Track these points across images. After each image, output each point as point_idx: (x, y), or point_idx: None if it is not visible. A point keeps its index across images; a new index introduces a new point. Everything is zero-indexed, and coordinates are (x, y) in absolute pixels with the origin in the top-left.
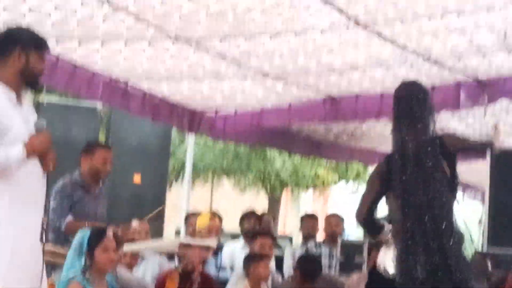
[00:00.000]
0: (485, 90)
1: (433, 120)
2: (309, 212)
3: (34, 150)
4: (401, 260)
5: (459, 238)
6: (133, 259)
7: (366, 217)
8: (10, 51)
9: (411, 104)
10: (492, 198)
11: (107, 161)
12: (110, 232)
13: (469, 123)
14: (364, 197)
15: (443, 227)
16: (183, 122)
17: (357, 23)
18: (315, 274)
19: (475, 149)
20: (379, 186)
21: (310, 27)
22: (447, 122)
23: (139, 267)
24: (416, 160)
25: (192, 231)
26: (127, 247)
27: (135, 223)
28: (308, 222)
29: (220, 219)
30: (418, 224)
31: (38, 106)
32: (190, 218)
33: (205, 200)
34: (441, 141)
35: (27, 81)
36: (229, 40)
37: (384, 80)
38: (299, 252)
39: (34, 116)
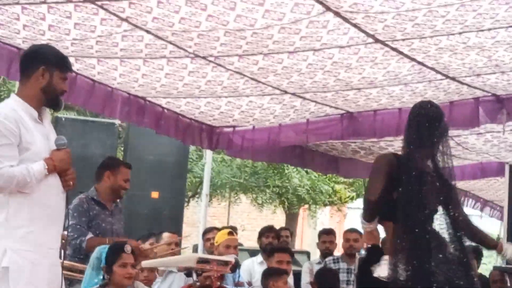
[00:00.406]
0: (504, 106)
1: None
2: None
3: (55, 166)
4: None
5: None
6: (151, 275)
7: (378, 197)
8: (34, 69)
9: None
10: (511, 215)
11: (128, 180)
12: (128, 248)
13: (488, 139)
14: (375, 179)
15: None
16: (200, 138)
17: (375, 39)
18: None
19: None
20: (389, 175)
21: (328, 44)
22: (465, 139)
23: (157, 283)
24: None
25: (209, 247)
26: (145, 263)
27: (166, 235)
28: (326, 237)
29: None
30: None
31: (56, 122)
32: (207, 233)
33: (222, 216)
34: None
35: (49, 100)
36: (247, 57)
37: (403, 96)
38: (316, 267)
39: (54, 134)
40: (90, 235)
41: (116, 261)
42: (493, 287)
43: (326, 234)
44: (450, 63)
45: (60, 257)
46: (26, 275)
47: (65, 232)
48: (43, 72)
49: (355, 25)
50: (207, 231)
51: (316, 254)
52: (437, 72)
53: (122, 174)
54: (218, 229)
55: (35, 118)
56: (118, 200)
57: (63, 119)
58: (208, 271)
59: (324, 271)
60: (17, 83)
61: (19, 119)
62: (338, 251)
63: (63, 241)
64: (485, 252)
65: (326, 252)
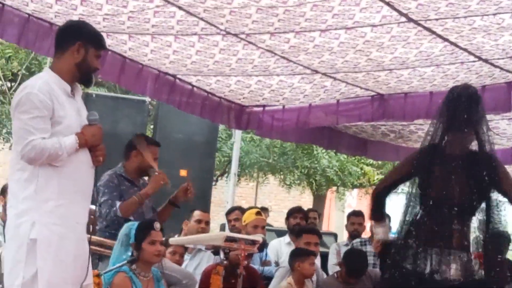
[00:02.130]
0: None
1: (482, 130)
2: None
3: (86, 141)
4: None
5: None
6: (179, 250)
7: (381, 191)
8: (69, 45)
9: (465, 107)
10: None
11: (156, 159)
12: (157, 225)
13: None
14: (390, 174)
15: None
16: (230, 118)
17: (408, 18)
18: (362, 270)
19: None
20: (408, 171)
21: (360, 22)
22: (496, 124)
23: (186, 260)
24: (458, 164)
25: (232, 227)
26: (173, 240)
27: (197, 213)
28: (355, 219)
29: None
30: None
31: (86, 98)
32: (230, 214)
33: (249, 196)
34: (494, 165)
35: (82, 76)
36: (279, 35)
37: (434, 79)
38: (343, 249)
39: (85, 109)
40: (118, 202)
41: (145, 238)
42: None
43: (355, 216)
44: (484, 44)
45: (89, 232)
46: (53, 248)
47: (93, 207)
48: (78, 47)
49: (388, 3)
50: (230, 211)
51: (343, 237)
52: (470, 53)
53: (151, 153)
54: (241, 209)
55: (68, 93)
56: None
57: (94, 95)
58: (236, 250)
59: (353, 252)
60: (48, 59)
61: (53, 92)
62: (366, 234)
63: (92, 216)
64: None
65: (354, 234)
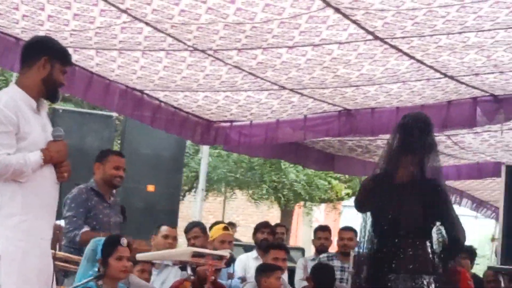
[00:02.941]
0: (502, 107)
1: (433, 157)
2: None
3: (51, 157)
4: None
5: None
6: (147, 267)
7: (362, 209)
8: (35, 60)
9: (415, 133)
10: (506, 216)
11: (120, 168)
12: (124, 241)
13: (485, 139)
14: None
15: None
16: (196, 133)
17: (375, 36)
18: (329, 285)
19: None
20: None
21: (327, 39)
22: (461, 138)
23: (153, 276)
24: (400, 190)
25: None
26: (140, 256)
27: (164, 228)
28: (322, 234)
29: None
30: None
31: (53, 113)
32: (188, 232)
33: (217, 211)
34: (436, 189)
35: (48, 91)
36: (246, 51)
37: (401, 95)
38: (310, 264)
39: (50, 125)
40: (85, 228)
41: (112, 254)
42: (487, 287)
43: (322, 231)
44: (449, 62)
45: (54, 248)
46: (17, 263)
47: (58, 223)
48: (44, 62)
49: (354, 22)
50: (189, 228)
51: (310, 251)
52: (436, 70)
53: (111, 162)
54: (201, 226)
55: (34, 109)
56: (115, 193)
57: (61, 110)
58: (203, 265)
59: (320, 267)
60: (14, 74)
61: (18, 108)
62: (333, 249)
63: (57, 232)
64: (479, 252)
65: (321, 249)
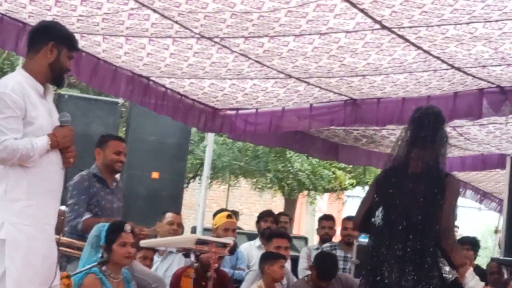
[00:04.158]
0: (508, 98)
1: (443, 150)
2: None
3: (58, 142)
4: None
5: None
6: (149, 255)
7: (360, 227)
8: (42, 45)
9: (427, 126)
10: (510, 207)
11: (120, 153)
12: (128, 227)
13: (490, 131)
14: (360, 205)
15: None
16: (202, 121)
17: (382, 26)
18: (332, 273)
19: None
20: (373, 195)
21: (334, 28)
22: (467, 129)
23: (157, 262)
24: (413, 179)
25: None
26: (144, 242)
27: (169, 215)
28: (326, 223)
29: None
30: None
31: (59, 99)
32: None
33: (220, 199)
34: (444, 181)
35: (54, 76)
36: (253, 39)
37: (407, 85)
38: (314, 253)
39: (56, 111)
40: (86, 215)
41: (115, 240)
42: (490, 279)
43: (326, 220)
44: (456, 53)
45: (58, 233)
46: (22, 248)
47: (62, 208)
48: (51, 47)
49: (362, 10)
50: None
51: (313, 241)
52: (443, 61)
53: (111, 147)
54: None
55: (40, 93)
56: (118, 179)
57: (66, 96)
58: (207, 253)
59: (323, 256)
60: (21, 59)
61: (25, 92)
62: (336, 239)
63: (62, 217)
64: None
65: (325, 238)
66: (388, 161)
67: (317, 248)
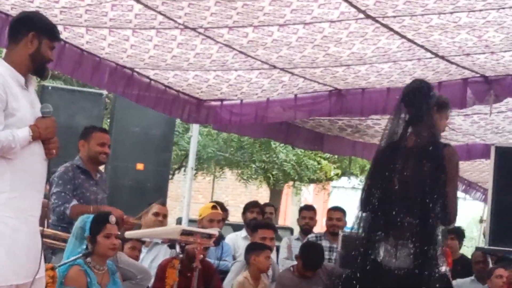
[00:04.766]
0: (492, 88)
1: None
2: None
3: (40, 133)
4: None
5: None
6: (138, 245)
7: (362, 205)
8: (23, 35)
9: (419, 98)
10: (494, 197)
11: (105, 144)
12: (113, 218)
13: (475, 121)
14: (363, 185)
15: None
16: (186, 112)
17: (366, 15)
18: (318, 263)
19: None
20: (372, 173)
21: (318, 18)
22: (451, 119)
23: (143, 253)
24: (410, 155)
25: None
26: (129, 233)
27: (155, 206)
28: (306, 213)
29: (224, 209)
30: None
31: (42, 90)
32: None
33: (206, 191)
34: (442, 152)
35: (35, 67)
36: (237, 29)
37: (391, 75)
38: (295, 243)
39: (38, 102)
40: (74, 202)
41: (100, 232)
42: (476, 268)
43: (307, 210)
44: (440, 41)
45: (42, 225)
46: (6, 241)
47: (46, 200)
48: (32, 38)
49: (346, 0)
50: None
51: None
52: (427, 50)
53: (95, 139)
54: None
55: (22, 85)
56: (102, 170)
57: (50, 88)
58: (192, 244)
59: (309, 245)
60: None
61: (6, 84)
62: (319, 230)
63: (46, 209)
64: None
65: (306, 228)
66: (381, 141)
67: (298, 238)
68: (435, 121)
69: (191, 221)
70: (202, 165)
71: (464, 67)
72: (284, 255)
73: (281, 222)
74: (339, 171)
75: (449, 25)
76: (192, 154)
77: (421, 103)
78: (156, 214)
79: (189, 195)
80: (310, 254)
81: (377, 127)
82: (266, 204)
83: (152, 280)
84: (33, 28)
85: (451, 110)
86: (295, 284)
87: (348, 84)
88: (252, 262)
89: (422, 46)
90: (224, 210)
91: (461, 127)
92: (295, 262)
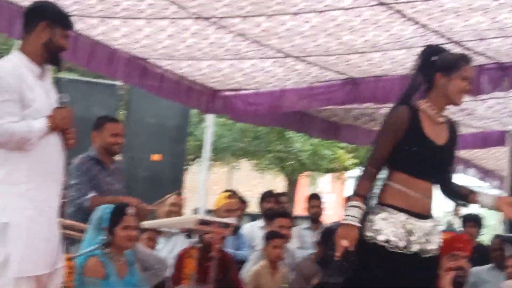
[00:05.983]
0: (507, 74)
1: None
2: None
3: (56, 124)
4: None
5: None
6: (154, 236)
7: (376, 168)
8: (35, 24)
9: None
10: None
11: (117, 134)
12: (131, 210)
13: (490, 105)
14: (380, 143)
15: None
16: (201, 102)
17: (379, 2)
18: None
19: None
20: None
21: (331, 5)
22: (466, 105)
23: (161, 244)
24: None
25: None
26: (146, 223)
27: (171, 197)
28: (315, 202)
29: (241, 199)
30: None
31: (58, 83)
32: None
33: (223, 182)
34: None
35: (49, 56)
36: (250, 18)
37: (405, 62)
38: (304, 232)
39: (54, 92)
40: (92, 193)
41: (118, 223)
42: (493, 255)
43: (315, 199)
44: (454, 26)
45: (59, 215)
46: (24, 232)
47: (64, 190)
48: (44, 27)
49: None
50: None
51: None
52: (441, 35)
53: (108, 130)
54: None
55: (37, 75)
56: (119, 160)
57: (65, 79)
58: (209, 233)
59: (330, 231)
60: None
61: (21, 75)
62: (336, 218)
63: (63, 200)
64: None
65: (314, 217)
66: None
67: (308, 227)
68: (442, 88)
69: (208, 212)
70: (218, 156)
71: (479, 53)
72: (297, 245)
73: (298, 212)
74: (355, 161)
75: (462, 8)
76: (207, 145)
77: (416, 75)
78: (172, 205)
79: (205, 187)
80: (331, 240)
81: None
82: (279, 194)
83: (169, 270)
84: (45, 17)
85: (467, 66)
86: (316, 272)
87: (362, 71)
88: (269, 251)
89: (435, 31)
90: (243, 202)
91: (475, 112)
92: (308, 251)
